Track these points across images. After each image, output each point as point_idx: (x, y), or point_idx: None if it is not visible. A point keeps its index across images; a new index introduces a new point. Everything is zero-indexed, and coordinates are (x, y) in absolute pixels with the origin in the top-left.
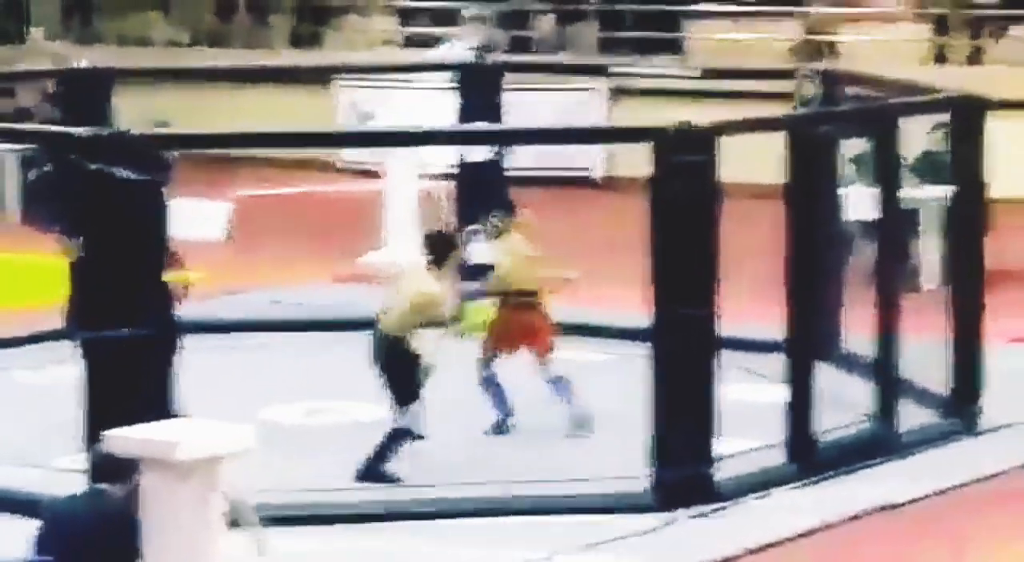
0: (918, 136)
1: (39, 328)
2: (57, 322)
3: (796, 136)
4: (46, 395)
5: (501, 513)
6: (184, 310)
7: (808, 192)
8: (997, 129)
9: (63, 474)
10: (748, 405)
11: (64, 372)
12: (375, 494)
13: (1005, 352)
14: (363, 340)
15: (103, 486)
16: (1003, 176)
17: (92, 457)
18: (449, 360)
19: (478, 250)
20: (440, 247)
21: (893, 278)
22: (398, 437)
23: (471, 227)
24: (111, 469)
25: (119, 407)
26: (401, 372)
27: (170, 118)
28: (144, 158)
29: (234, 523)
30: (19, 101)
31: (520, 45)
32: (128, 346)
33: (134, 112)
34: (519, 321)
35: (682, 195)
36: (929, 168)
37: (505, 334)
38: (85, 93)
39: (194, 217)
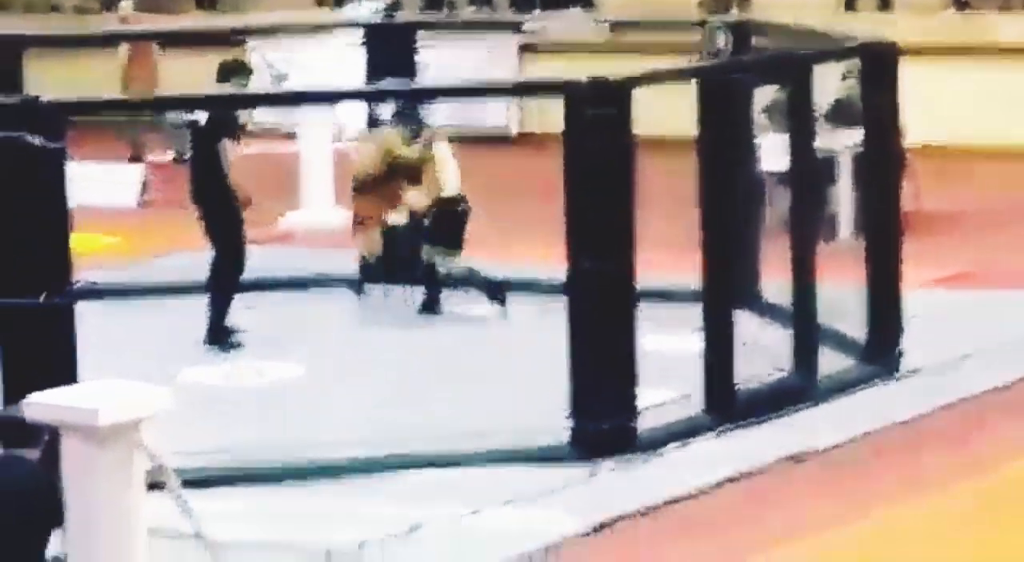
0: (831, 84)
1: None
2: None
3: (708, 86)
4: None
5: (422, 466)
6: (101, 275)
7: (721, 142)
8: (909, 75)
9: None
10: (667, 356)
11: None
12: (296, 454)
13: (922, 296)
14: (283, 300)
15: (17, 452)
16: (915, 122)
17: None
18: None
19: None
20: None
21: (809, 226)
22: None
23: None
24: (20, 434)
25: (34, 374)
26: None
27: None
28: (51, 125)
29: (155, 486)
30: None
31: (433, 4)
32: (38, 313)
33: (45, 79)
34: None
35: (596, 148)
36: (843, 115)
37: None
38: None
39: (106, 183)
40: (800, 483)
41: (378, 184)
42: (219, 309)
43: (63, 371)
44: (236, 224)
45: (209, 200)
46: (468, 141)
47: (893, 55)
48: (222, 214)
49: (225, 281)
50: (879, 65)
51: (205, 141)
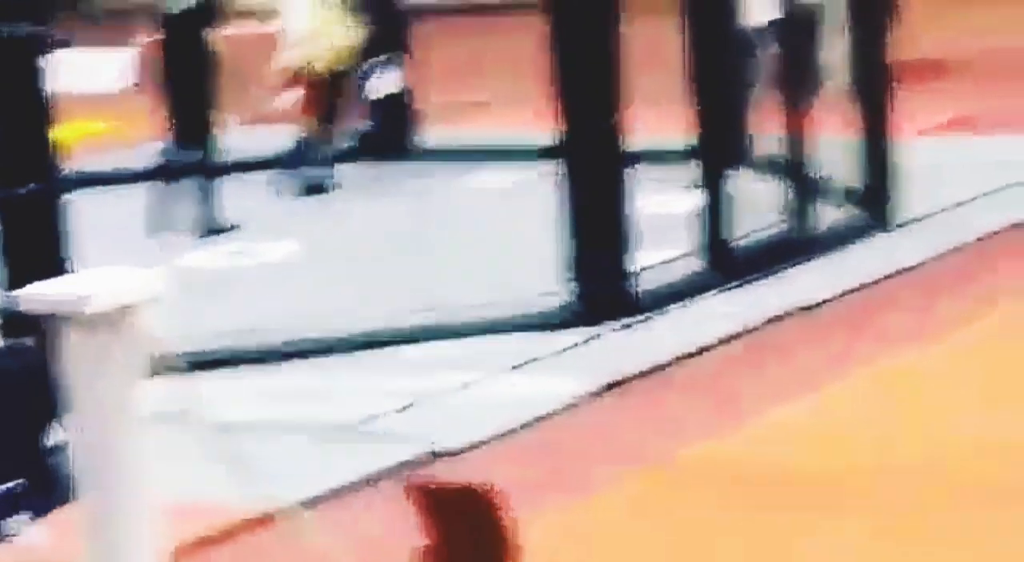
0: None
1: None
2: None
3: None
4: None
5: (423, 338)
6: (94, 162)
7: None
8: None
9: None
10: (662, 216)
11: None
12: (297, 332)
13: (915, 145)
14: (271, 179)
15: (18, 341)
16: None
17: None
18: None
19: (377, 85)
20: None
21: (799, 79)
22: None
23: (373, 60)
24: (21, 322)
25: (30, 264)
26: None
27: None
28: (36, 12)
29: (155, 371)
30: None
31: None
32: (29, 202)
33: None
34: None
35: (581, 8)
36: None
37: None
38: None
39: (96, 68)
40: (802, 336)
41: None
42: (203, 197)
43: (58, 259)
44: (212, 112)
45: (190, 87)
46: (491, 12)
47: None
48: (201, 102)
49: (203, 169)
50: None
51: (189, 27)
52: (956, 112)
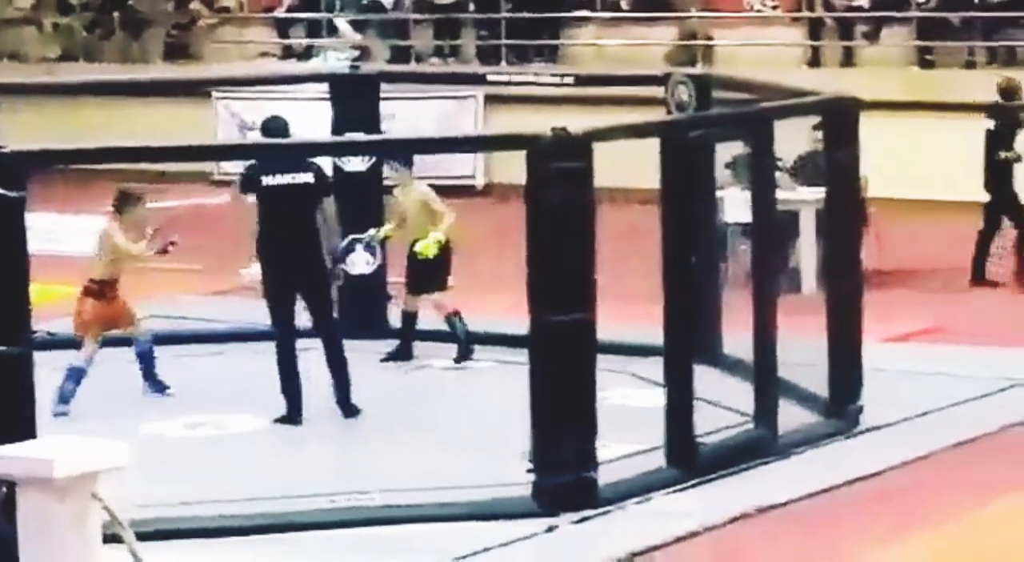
0: (798, 138)
1: None
2: None
3: (670, 140)
4: None
5: (381, 522)
6: (62, 326)
7: (683, 196)
8: (871, 129)
9: None
10: (628, 409)
11: None
12: (255, 507)
13: (884, 351)
14: (243, 351)
15: None
16: (878, 176)
17: None
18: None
19: (358, 260)
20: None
21: (771, 280)
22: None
23: (352, 237)
24: None
25: None
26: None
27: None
28: (12, 175)
29: (111, 539)
30: None
31: (399, 55)
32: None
33: (5, 128)
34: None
35: (558, 201)
36: (810, 171)
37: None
38: None
39: (73, 232)
40: (761, 538)
41: None
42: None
43: (22, 422)
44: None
45: (317, 267)
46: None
47: (854, 110)
48: (327, 284)
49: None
50: (841, 120)
51: (309, 199)
52: (926, 320)
